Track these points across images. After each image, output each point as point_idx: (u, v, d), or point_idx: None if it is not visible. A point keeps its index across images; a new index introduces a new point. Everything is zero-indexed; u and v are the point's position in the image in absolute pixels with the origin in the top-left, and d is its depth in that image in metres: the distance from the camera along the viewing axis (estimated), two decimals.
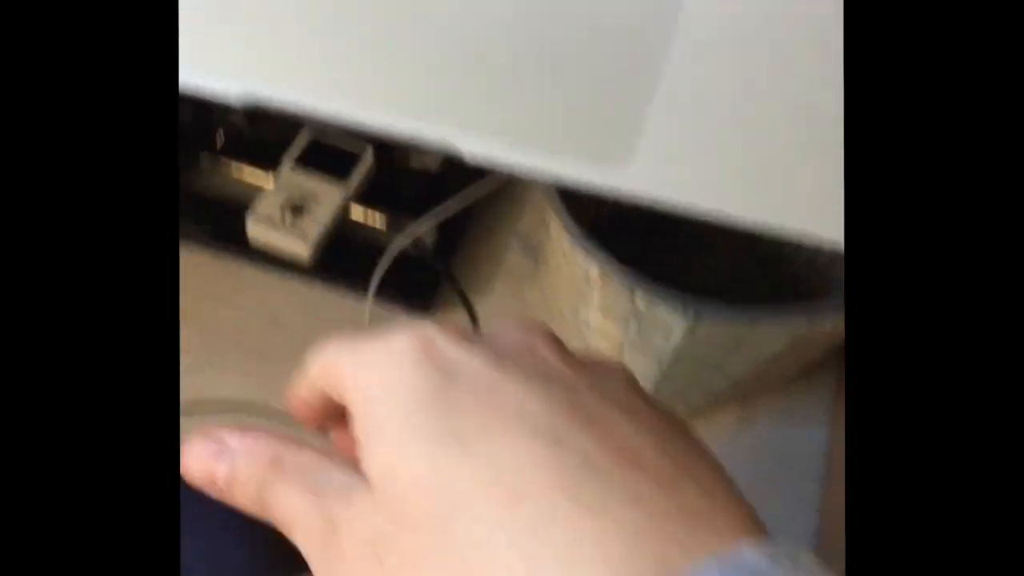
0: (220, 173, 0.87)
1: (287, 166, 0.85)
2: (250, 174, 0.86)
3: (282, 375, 0.88)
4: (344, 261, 0.84)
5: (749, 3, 0.45)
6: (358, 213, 0.85)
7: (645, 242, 0.72)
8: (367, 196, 0.86)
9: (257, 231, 0.83)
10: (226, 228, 0.85)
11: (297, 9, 0.53)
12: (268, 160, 0.86)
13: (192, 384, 0.81)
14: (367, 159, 0.86)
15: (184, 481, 0.37)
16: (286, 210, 0.83)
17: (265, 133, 0.89)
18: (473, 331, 0.35)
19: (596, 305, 0.63)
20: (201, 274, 0.86)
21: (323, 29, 0.53)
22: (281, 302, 0.86)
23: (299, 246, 0.82)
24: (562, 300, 0.76)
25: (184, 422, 0.74)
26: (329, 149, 0.87)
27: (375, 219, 0.85)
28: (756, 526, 0.28)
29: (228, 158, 0.87)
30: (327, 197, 0.84)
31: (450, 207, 0.83)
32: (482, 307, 0.85)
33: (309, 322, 0.86)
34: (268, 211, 0.83)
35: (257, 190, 0.85)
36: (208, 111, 0.89)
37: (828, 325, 0.61)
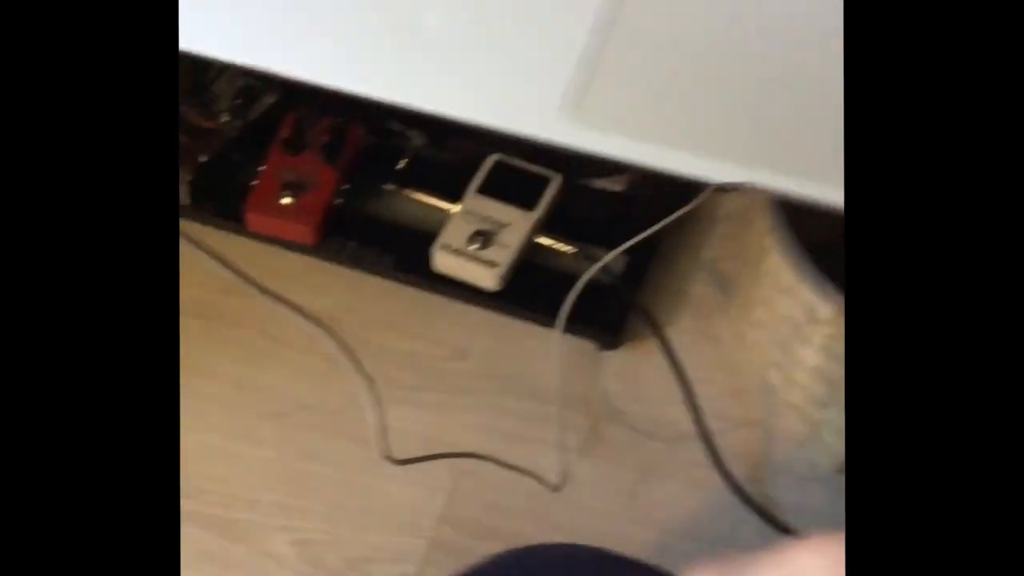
0: (403, 200, 0.86)
1: (473, 192, 0.83)
2: (435, 201, 0.84)
3: (469, 409, 0.86)
4: (531, 289, 0.81)
5: None
6: (545, 239, 0.82)
7: None
8: (554, 221, 0.83)
9: (443, 260, 0.81)
10: (411, 257, 0.83)
11: None
12: (453, 186, 0.84)
13: (377, 421, 0.80)
14: (555, 184, 0.83)
15: None
16: (473, 238, 0.80)
17: (448, 159, 0.87)
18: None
19: (819, 344, 0.58)
20: (385, 304, 0.85)
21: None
22: (467, 332, 0.84)
23: (487, 275, 0.80)
24: (769, 338, 0.71)
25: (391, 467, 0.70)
26: (515, 174, 0.84)
27: (563, 245, 0.82)
28: None
29: (412, 185, 0.85)
30: (515, 224, 0.81)
31: (643, 234, 0.79)
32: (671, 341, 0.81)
33: (496, 353, 0.83)
34: (455, 239, 0.81)
35: (442, 217, 0.83)
36: (391, 136, 0.88)
37: None
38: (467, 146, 0.88)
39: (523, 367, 0.82)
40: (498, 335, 0.83)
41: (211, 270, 0.86)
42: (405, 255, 0.83)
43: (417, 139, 0.88)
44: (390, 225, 0.85)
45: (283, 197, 0.83)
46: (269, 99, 0.88)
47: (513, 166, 0.84)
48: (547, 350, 0.79)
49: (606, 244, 0.81)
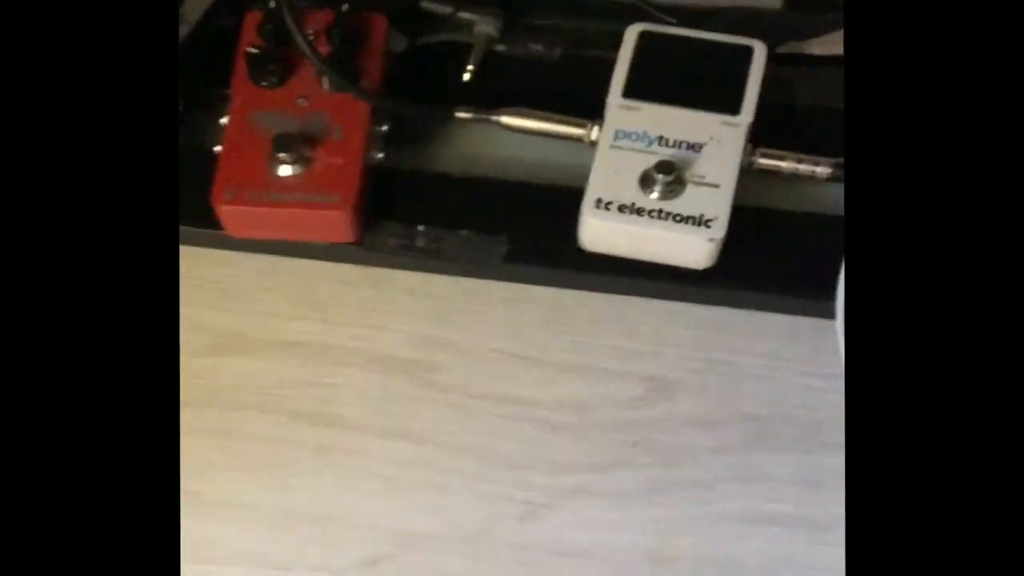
0: (494, 133, 0.47)
1: (619, 98, 0.46)
2: (554, 126, 0.46)
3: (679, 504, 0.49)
4: (762, 254, 0.45)
5: None
6: (770, 159, 0.45)
7: None
8: (774, 124, 0.46)
9: (600, 229, 0.43)
10: (534, 235, 0.45)
11: None
12: (574, 96, 0.47)
13: None
14: (759, 57, 0.46)
15: None
16: (649, 178, 0.44)
17: (543, 53, 0.50)
18: None
19: None
20: (499, 324, 0.47)
21: None
22: (665, 342, 0.47)
23: (693, 242, 0.43)
24: None
25: None
26: (684, 51, 0.47)
27: (809, 164, 0.45)
28: None
29: (503, 104, 0.47)
30: (716, 140, 0.44)
31: None
32: None
33: (732, 376, 0.47)
34: (613, 187, 0.43)
35: (577, 151, 0.46)
36: (431, 25, 0.50)
37: None
38: (562, 29, 0.51)
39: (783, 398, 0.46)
40: (724, 341, 0.47)
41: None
42: (523, 233, 0.46)
43: (482, 25, 0.50)
44: (484, 183, 0.48)
45: (278, 164, 0.45)
46: None
47: (678, 39, 0.47)
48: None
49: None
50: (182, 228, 0.45)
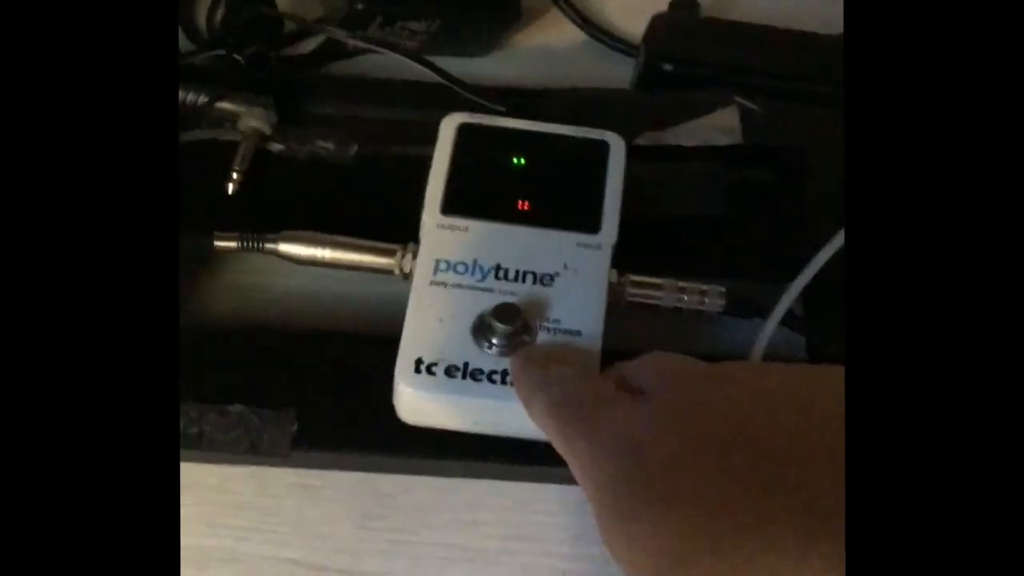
0: (263, 264, 0.35)
1: (437, 214, 0.34)
2: (349, 255, 0.35)
3: None
4: None
5: None
6: (641, 287, 0.35)
7: None
8: (642, 240, 0.36)
9: (424, 399, 0.31)
10: (318, 408, 0.34)
11: None
12: (370, 212, 0.35)
13: None
14: (618, 154, 0.36)
15: None
16: (485, 327, 0.32)
17: (323, 152, 0.38)
18: None
19: None
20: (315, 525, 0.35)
21: None
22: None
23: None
24: None
25: None
26: (520, 150, 0.36)
27: (687, 292, 0.35)
28: None
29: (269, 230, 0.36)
30: (572, 268, 0.34)
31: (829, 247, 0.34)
32: None
33: None
34: (436, 343, 0.31)
35: (387, 291, 0.34)
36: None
37: None
38: (357, 120, 0.39)
39: None
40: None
41: None
42: (318, 405, 0.34)
43: (250, 118, 0.38)
44: (261, 335, 0.35)
45: None
46: None
47: (510, 133, 0.36)
48: None
49: (758, 270, 0.36)
50: None
